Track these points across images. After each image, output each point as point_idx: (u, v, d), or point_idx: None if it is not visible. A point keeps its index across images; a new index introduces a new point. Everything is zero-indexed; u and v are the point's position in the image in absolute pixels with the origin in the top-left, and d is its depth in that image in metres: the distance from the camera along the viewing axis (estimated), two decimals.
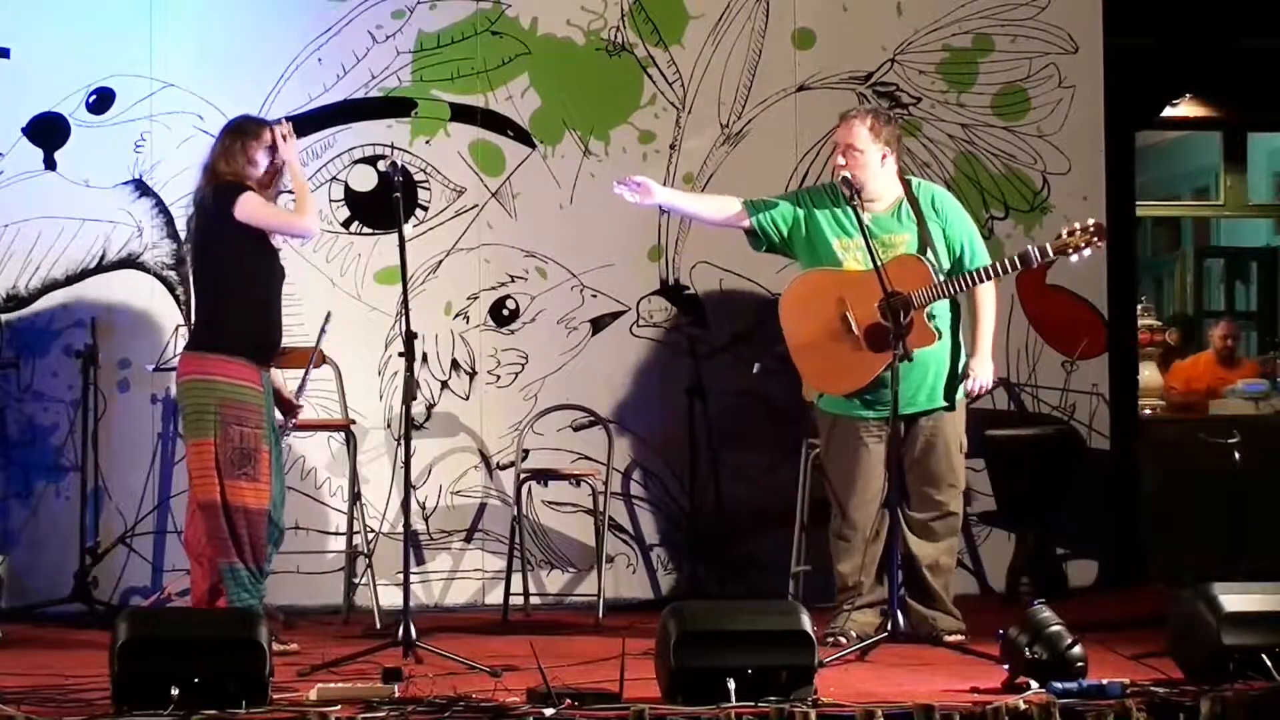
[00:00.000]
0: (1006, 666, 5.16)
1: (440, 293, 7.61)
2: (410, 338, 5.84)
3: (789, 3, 7.86)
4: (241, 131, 6.18)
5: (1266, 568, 6.68)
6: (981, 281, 6.23)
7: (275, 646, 5.94)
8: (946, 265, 6.29)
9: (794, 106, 7.84)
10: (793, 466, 7.30)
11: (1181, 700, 4.79)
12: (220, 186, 6.08)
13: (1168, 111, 9.31)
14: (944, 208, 6.40)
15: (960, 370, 6.35)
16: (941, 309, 6.26)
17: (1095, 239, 6.18)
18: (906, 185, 6.40)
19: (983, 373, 6.37)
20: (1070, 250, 6.19)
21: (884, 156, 6.33)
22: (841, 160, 6.32)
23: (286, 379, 6.42)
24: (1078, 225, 6.20)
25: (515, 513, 7.29)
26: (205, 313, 6.22)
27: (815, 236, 6.36)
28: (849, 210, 6.17)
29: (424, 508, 7.52)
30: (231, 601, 5.98)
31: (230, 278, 6.11)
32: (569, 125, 7.75)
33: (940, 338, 6.21)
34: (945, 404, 6.32)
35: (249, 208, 6.05)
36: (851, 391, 6.27)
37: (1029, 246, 6.26)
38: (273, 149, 6.14)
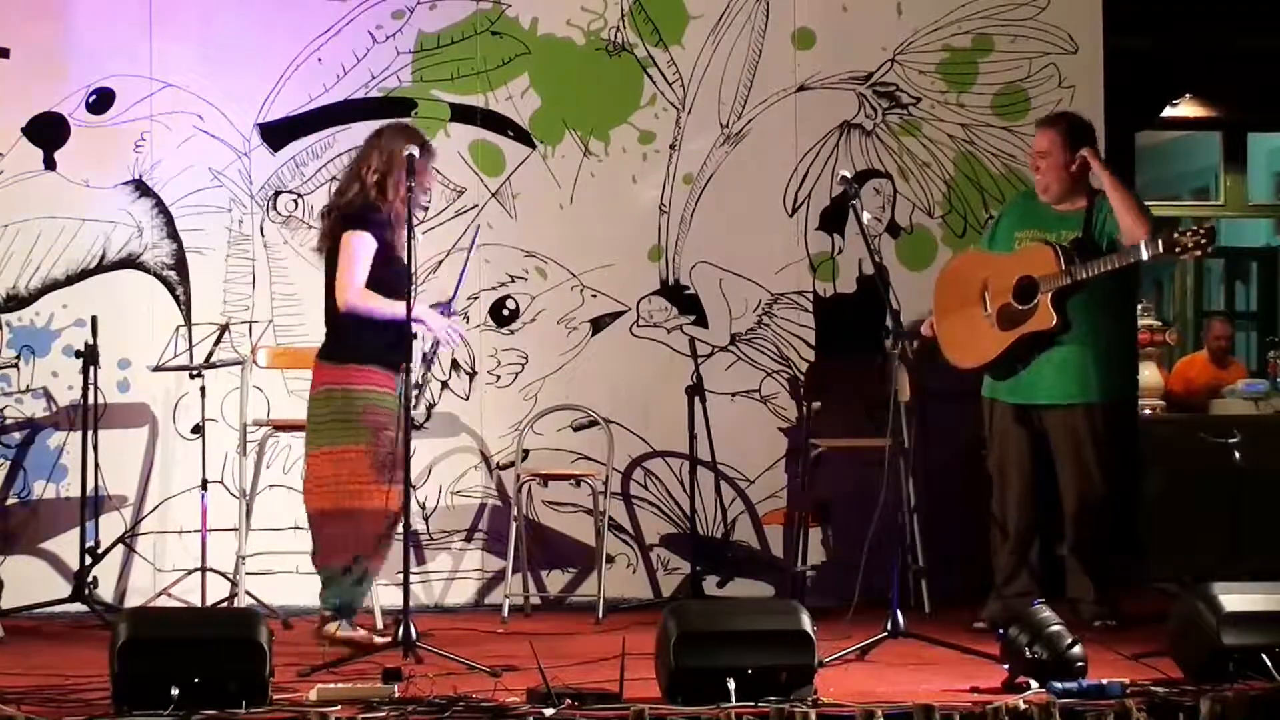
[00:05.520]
0: (1006, 666, 5.16)
1: (440, 293, 7.59)
2: (409, 339, 5.84)
3: (789, 3, 7.85)
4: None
5: (1266, 568, 6.67)
6: (1097, 273, 6.37)
7: (375, 640, 5.93)
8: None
9: (794, 106, 7.83)
10: (792, 466, 7.29)
11: (1181, 700, 4.79)
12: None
13: (1168, 111, 9.30)
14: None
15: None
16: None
17: (1205, 241, 6.25)
18: (1092, 198, 6.63)
19: None
20: (1179, 250, 6.29)
21: (1072, 164, 6.61)
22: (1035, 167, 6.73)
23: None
24: (1192, 227, 6.34)
25: (515, 513, 7.28)
26: (334, 324, 6.19)
27: (1003, 237, 6.74)
28: (1036, 206, 6.67)
29: (424, 508, 7.52)
30: (327, 600, 6.07)
31: None
32: (569, 125, 7.75)
33: (1055, 323, 6.39)
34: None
35: (349, 244, 6.11)
36: (975, 366, 6.62)
37: (1142, 242, 6.34)
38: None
